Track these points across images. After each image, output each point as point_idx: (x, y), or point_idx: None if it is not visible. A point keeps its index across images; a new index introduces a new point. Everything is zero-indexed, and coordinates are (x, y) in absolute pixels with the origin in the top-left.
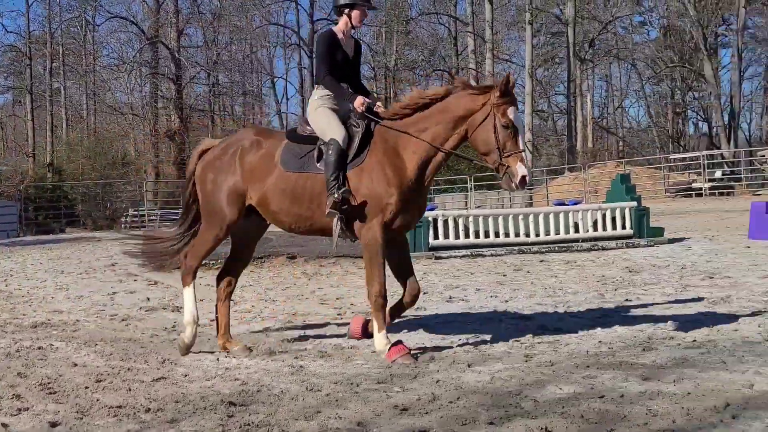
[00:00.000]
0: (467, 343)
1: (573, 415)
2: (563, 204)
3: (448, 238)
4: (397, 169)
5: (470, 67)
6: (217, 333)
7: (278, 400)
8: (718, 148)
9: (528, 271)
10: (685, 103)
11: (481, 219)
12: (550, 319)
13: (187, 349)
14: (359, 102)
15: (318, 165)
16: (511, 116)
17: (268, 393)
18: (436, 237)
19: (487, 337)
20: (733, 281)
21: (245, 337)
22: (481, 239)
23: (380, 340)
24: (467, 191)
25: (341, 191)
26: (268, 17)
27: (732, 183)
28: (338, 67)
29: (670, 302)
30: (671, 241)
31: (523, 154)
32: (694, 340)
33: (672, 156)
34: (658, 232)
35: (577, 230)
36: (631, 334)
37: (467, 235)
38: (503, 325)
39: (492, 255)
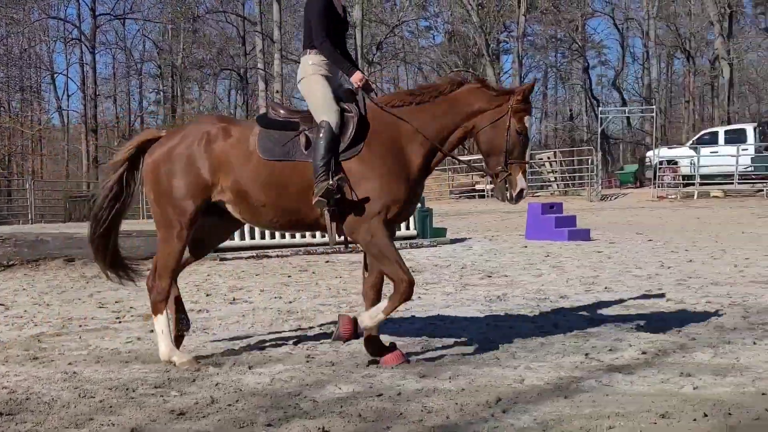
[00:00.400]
0: (249, 345)
1: (351, 414)
2: None
3: (234, 239)
4: (403, 165)
5: (258, 67)
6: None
7: (48, 407)
8: None
9: (313, 272)
10: None
11: None
12: (334, 319)
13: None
14: (358, 77)
15: (306, 152)
16: (527, 124)
17: (38, 401)
18: None
19: (270, 338)
20: (510, 280)
21: (22, 343)
22: (267, 240)
23: (373, 317)
24: None
25: (336, 178)
26: (47, 10)
27: None
28: (332, 31)
29: (449, 301)
30: (453, 241)
31: (526, 166)
32: (471, 338)
33: (456, 158)
34: (441, 232)
35: None
36: (411, 333)
37: (253, 236)
38: (286, 326)
39: (278, 256)
